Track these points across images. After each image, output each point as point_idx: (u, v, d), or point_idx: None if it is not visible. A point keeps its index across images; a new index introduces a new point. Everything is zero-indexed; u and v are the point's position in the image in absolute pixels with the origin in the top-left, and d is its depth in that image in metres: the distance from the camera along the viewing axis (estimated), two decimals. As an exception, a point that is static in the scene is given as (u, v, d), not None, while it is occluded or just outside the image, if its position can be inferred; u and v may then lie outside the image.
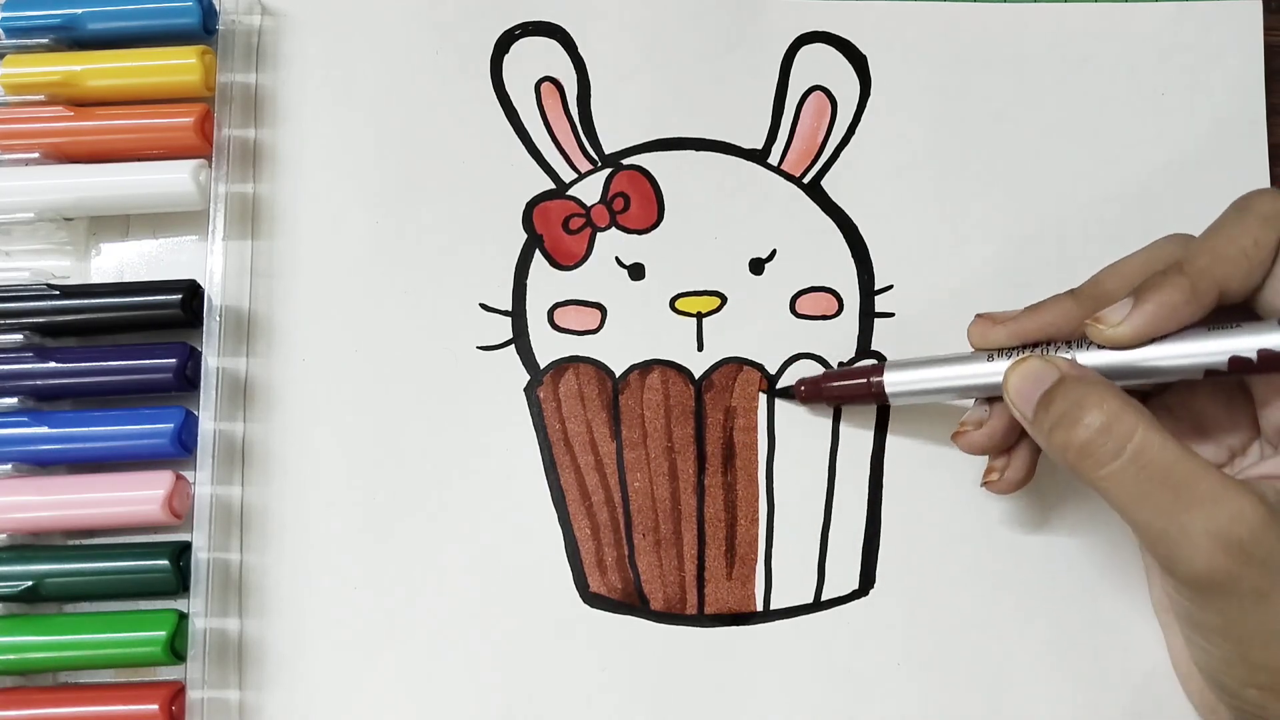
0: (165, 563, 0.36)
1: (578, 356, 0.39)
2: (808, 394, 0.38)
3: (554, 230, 0.40)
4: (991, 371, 0.34)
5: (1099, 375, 0.32)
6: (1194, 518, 0.29)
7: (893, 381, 0.36)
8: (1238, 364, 0.31)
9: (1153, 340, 0.31)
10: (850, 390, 0.37)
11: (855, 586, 0.38)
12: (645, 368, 0.39)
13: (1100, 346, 0.32)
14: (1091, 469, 0.30)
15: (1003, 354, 0.34)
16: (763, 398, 0.39)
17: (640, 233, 0.40)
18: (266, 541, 0.38)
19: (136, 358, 0.38)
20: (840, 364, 0.39)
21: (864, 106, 0.41)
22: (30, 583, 0.36)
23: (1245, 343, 0.31)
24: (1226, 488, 0.29)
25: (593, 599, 0.38)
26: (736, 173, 0.41)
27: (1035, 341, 0.34)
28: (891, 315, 0.40)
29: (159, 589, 0.37)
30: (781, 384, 0.39)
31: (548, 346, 0.40)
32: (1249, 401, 0.34)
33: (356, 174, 0.40)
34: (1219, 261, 0.31)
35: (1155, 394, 0.36)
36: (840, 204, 0.40)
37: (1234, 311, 0.32)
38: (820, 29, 0.41)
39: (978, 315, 0.35)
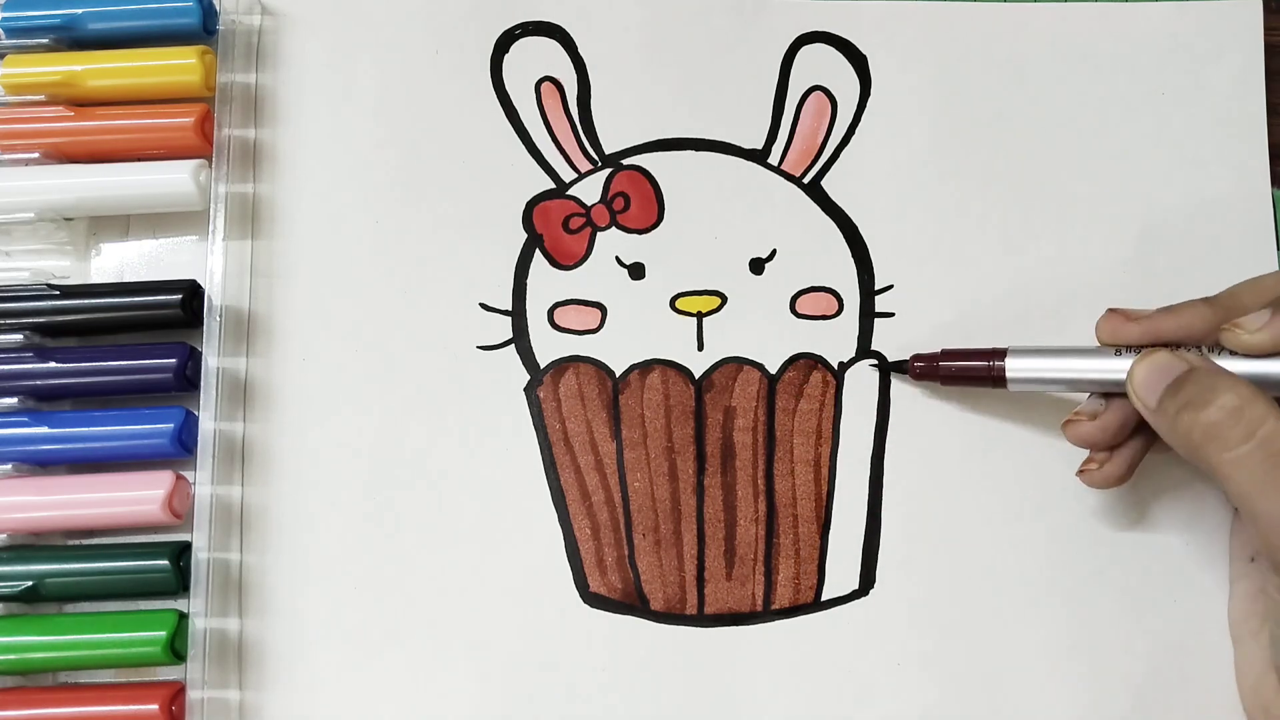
0: (165, 563, 0.36)
1: (578, 356, 0.39)
2: (923, 372, 0.38)
3: (554, 230, 0.40)
4: (1117, 367, 0.34)
5: (1229, 370, 0.32)
6: None
7: (1015, 368, 0.36)
8: None
9: None
10: (969, 371, 0.37)
11: (855, 586, 0.38)
12: (645, 367, 0.39)
13: (1233, 353, 0.32)
14: (1218, 450, 0.30)
15: (1129, 351, 0.34)
16: (762, 397, 0.39)
17: (640, 232, 0.40)
18: (266, 541, 0.38)
19: (136, 358, 0.38)
20: (840, 364, 0.39)
21: (864, 106, 0.41)
22: (30, 583, 0.36)
23: None
24: None
25: (593, 599, 0.38)
26: (736, 173, 0.41)
27: (1166, 342, 0.34)
28: (891, 315, 0.40)
29: (159, 589, 0.37)
30: (895, 359, 0.39)
31: (548, 346, 0.40)
32: None
33: (356, 174, 0.40)
34: None
35: None
36: (840, 204, 0.40)
37: None
38: (820, 29, 0.41)
39: (1110, 310, 0.35)
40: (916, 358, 0.38)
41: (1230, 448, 0.30)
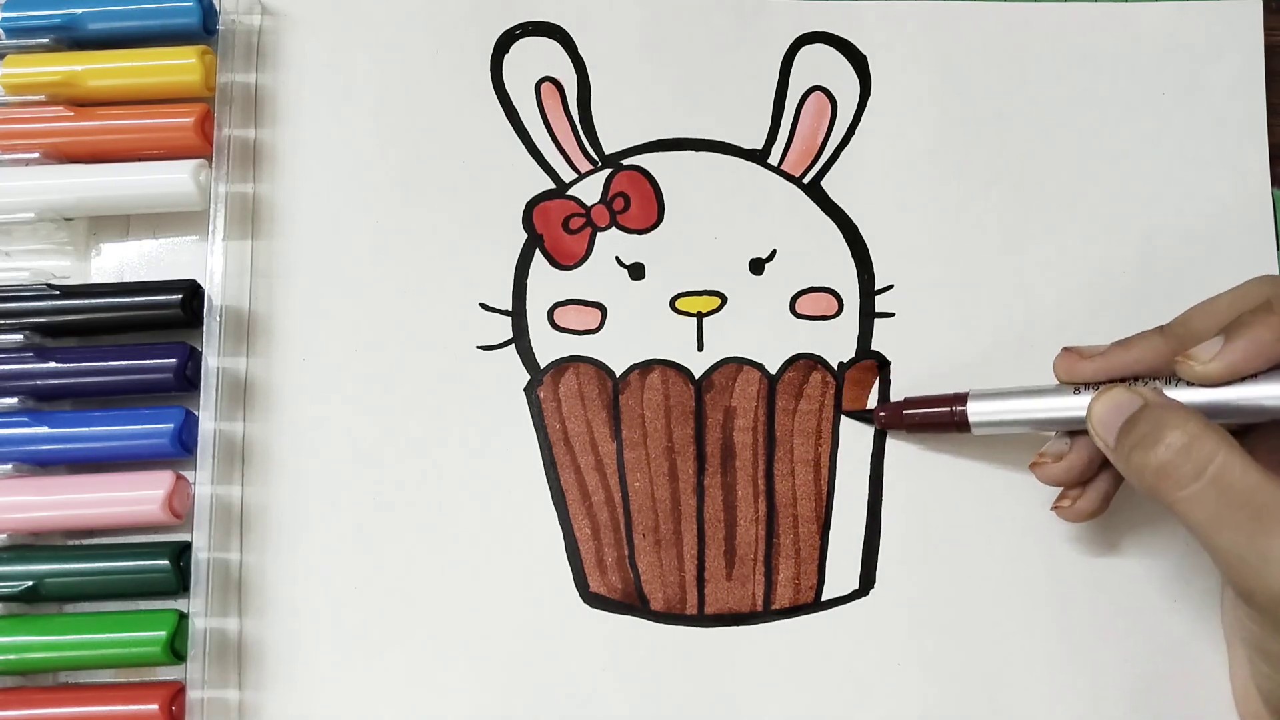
0: (165, 563, 0.36)
1: (578, 356, 0.39)
2: (887, 420, 0.38)
3: (554, 230, 0.40)
4: (1076, 405, 0.34)
5: (1182, 404, 0.31)
6: (1275, 542, 0.28)
7: (977, 411, 0.36)
8: None
9: (1243, 379, 0.31)
10: (932, 419, 0.37)
11: (855, 586, 0.38)
12: (645, 367, 0.39)
13: (1190, 383, 0.32)
14: (1171, 490, 0.30)
15: (1088, 388, 0.34)
16: (762, 397, 0.39)
17: (640, 233, 0.40)
18: (266, 541, 0.38)
19: (136, 358, 0.38)
20: (840, 364, 0.39)
21: (864, 106, 0.41)
22: (30, 583, 0.36)
23: None
24: None
25: (593, 599, 0.38)
26: (736, 173, 0.41)
27: (1123, 377, 0.34)
28: (891, 315, 0.40)
29: (159, 589, 0.37)
30: (857, 408, 0.39)
31: (548, 346, 0.40)
32: None
33: (356, 174, 0.40)
34: None
35: (1241, 435, 0.35)
36: (840, 204, 0.40)
37: None
38: (820, 29, 0.41)
39: (1064, 349, 0.35)
40: (880, 407, 0.38)
41: (1182, 486, 0.30)
